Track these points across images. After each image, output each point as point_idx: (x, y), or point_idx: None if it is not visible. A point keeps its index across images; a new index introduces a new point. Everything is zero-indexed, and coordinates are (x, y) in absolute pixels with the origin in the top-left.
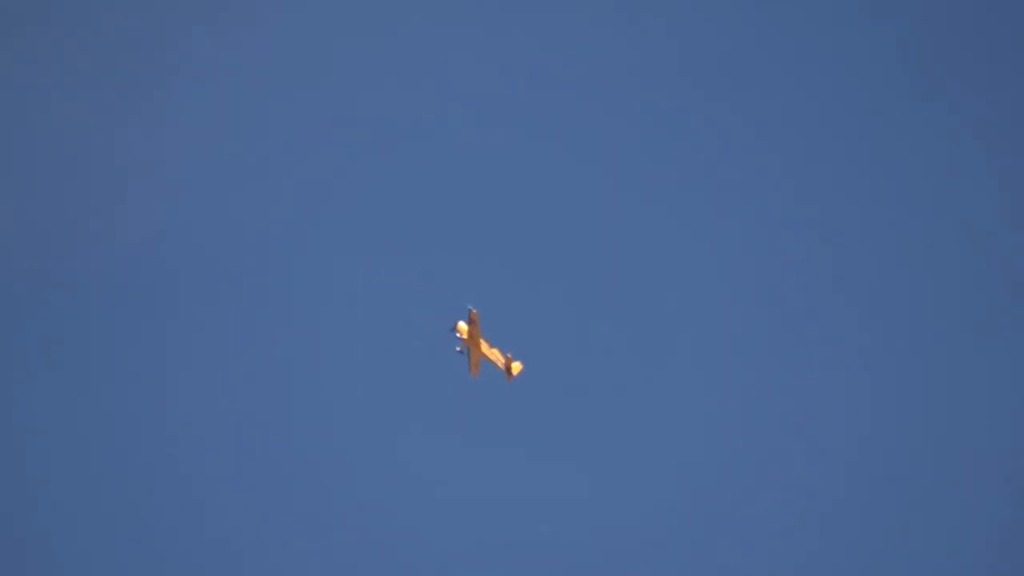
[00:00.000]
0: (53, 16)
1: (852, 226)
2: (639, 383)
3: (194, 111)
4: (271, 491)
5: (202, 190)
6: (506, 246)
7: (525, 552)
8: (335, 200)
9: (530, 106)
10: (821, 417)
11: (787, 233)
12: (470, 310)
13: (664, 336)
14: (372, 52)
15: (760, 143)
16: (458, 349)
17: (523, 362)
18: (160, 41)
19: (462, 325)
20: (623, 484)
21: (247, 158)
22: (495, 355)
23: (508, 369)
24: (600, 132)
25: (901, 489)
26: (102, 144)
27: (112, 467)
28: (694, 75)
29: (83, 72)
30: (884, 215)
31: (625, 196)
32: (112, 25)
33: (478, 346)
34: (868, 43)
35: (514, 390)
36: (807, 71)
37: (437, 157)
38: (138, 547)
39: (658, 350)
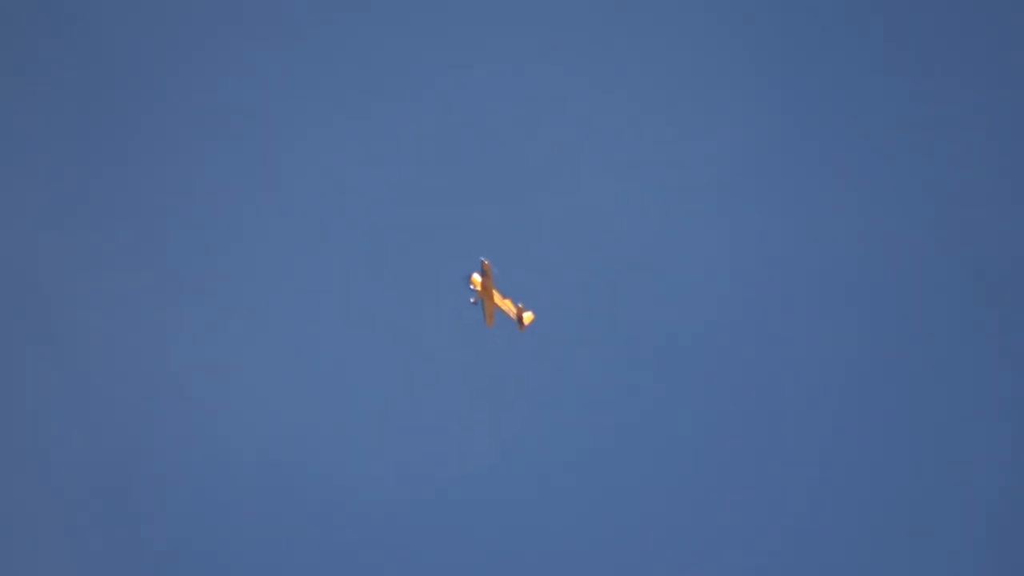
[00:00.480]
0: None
1: (850, 225)
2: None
3: None
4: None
5: None
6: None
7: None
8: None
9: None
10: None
11: (786, 232)
12: (483, 261)
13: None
14: None
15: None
16: (472, 301)
17: (535, 312)
18: None
19: (476, 277)
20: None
21: None
22: (507, 306)
23: (520, 319)
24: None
25: (901, 489)
26: None
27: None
28: (698, 70)
29: None
30: (883, 215)
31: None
32: None
33: (491, 297)
34: (864, 42)
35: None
36: (808, 71)
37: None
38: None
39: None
